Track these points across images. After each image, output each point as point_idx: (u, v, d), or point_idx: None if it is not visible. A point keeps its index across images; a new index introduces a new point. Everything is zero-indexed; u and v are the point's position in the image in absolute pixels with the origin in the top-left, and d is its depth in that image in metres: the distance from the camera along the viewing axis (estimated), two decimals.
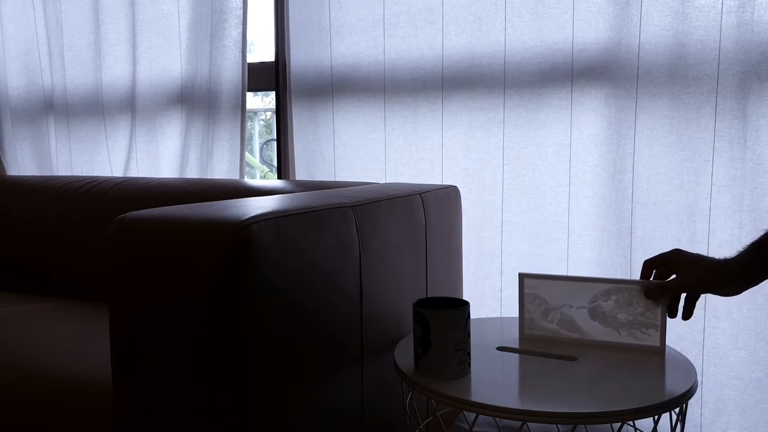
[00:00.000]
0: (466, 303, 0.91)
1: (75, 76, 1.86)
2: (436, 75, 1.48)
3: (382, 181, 1.56)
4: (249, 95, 1.68)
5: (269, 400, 0.72)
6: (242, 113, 1.65)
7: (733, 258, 0.86)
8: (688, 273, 0.91)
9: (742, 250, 0.85)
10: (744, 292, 0.87)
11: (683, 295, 0.96)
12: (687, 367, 0.92)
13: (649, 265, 0.97)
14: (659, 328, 0.98)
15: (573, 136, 1.38)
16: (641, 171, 1.33)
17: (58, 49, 1.86)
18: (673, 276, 0.95)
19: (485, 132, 1.45)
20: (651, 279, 0.98)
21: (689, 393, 0.83)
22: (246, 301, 0.68)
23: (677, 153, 1.30)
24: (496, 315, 1.49)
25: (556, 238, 1.42)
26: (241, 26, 1.62)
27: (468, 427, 1.36)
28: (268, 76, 1.68)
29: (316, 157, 1.61)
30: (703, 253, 1.29)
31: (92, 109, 1.85)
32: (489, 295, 1.49)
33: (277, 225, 0.73)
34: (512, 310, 1.47)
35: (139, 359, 0.72)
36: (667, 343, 1.34)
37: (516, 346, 1.03)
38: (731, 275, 0.86)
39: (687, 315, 0.95)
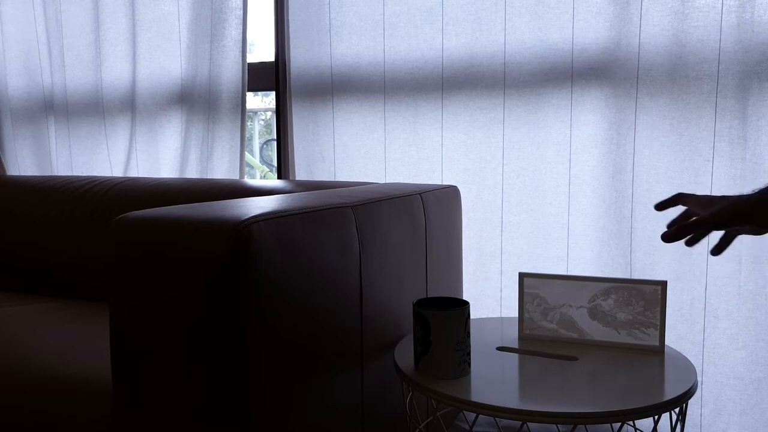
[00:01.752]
0: (466, 303, 0.91)
1: (75, 76, 1.86)
2: (436, 75, 1.48)
3: (382, 181, 1.56)
4: (249, 95, 1.68)
5: (269, 401, 0.73)
6: (242, 113, 1.65)
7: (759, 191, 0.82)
8: (712, 210, 0.84)
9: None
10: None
11: (721, 233, 0.88)
12: (687, 367, 0.92)
13: (676, 199, 0.92)
14: (658, 328, 0.98)
15: (573, 136, 1.38)
16: (641, 171, 1.33)
17: (58, 49, 1.86)
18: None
19: (485, 132, 1.45)
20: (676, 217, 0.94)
21: (689, 393, 0.83)
22: (246, 301, 0.68)
23: (677, 153, 1.30)
24: (496, 315, 1.49)
25: (556, 238, 1.42)
26: (241, 26, 1.62)
27: (468, 427, 1.36)
28: (268, 76, 1.68)
29: (316, 157, 1.61)
30: (702, 255, 1.29)
31: (92, 109, 1.85)
32: (489, 295, 1.49)
33: (277, 225, 0.73)
34: (512, 310, 1.47)
35: (139, 359, 0.72)
36: (667, 343, 1.34)
37: (516, 346, 1.03)
38: (754, 208, 0.81)
39: (717, 250, 0.90)
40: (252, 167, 2.87)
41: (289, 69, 1.62)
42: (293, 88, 1.62)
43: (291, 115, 1.64)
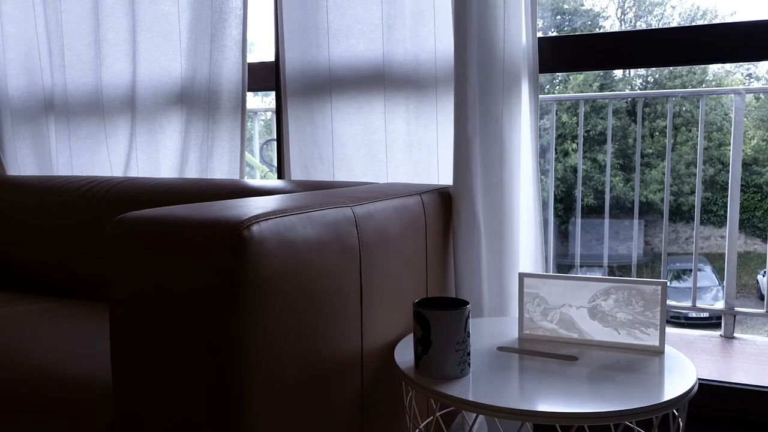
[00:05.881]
0: (466, 303, 0.91)
1: (75, 76, 1.86)
2: (430, 76, 1.47)
3: (382, 181, 1.56)
4: (249, 95, 1.68)
5: (269, 401, 0.73)
6: (242, 113, 1.65)
7: None
8: None
9: None
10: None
11: None
12: (687, 367, 0.92)
13: None
14: (658, 328, 0.98)
15: None
16: None
17: (58, 49, 1.86)
18: None
19: None
20: None
21: (689, 393, 0.83)
22: (245, 301, 0.68)
23: None
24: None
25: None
26: (241, 26, 1.62)
27: (468, 427, 1.36)
28: (268, 76, 1.68)
29: (314, 158, 1.61)
30: None
31: (92, 109, 1.85)
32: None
33: (277, 225, 0.73)
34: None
35: (139, 359, 0.72)
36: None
37: (516, 346, 1.03)
38: None
39: None
40: (252, 167, 2.87)
41: (284, 69, 1.62)
42: (289, 88, 1.61)
43: (287, 116, 1.63)
